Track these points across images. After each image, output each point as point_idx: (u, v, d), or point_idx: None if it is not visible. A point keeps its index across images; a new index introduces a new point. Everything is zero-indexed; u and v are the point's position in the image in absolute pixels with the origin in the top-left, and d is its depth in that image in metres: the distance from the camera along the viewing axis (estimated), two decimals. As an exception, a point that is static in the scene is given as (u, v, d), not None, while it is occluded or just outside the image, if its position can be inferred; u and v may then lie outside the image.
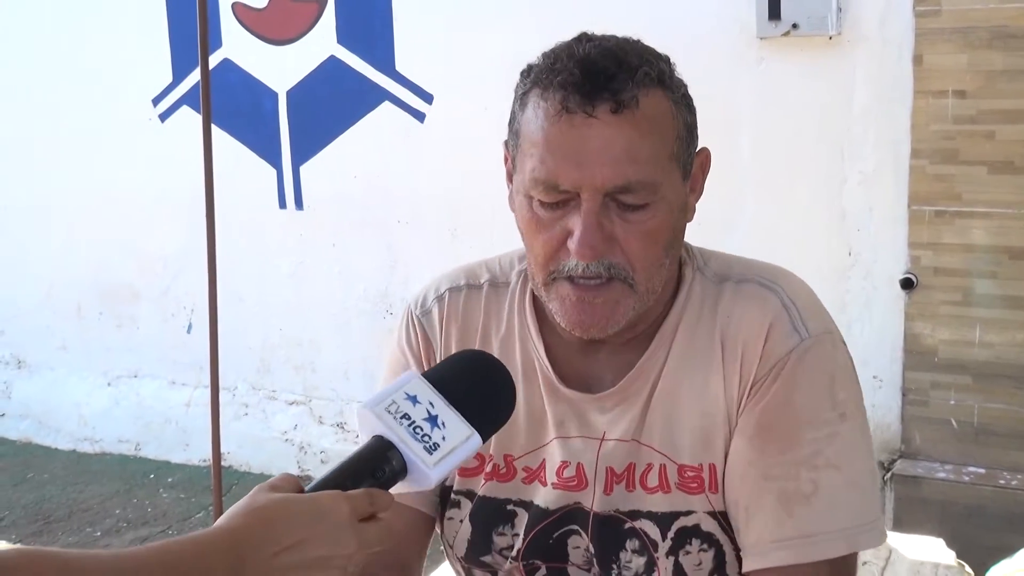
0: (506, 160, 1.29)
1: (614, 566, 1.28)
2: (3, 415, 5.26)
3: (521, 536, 1.31)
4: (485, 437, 1.07)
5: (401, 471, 1.02)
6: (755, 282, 1.29)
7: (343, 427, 4.47)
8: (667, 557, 1.26)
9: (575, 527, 1.30)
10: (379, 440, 1.02)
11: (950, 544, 2.57)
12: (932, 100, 3.22)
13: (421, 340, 1.39)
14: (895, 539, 2.55)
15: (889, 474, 3.36)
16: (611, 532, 1.28)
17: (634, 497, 1.27)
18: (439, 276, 1.44)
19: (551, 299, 1.23)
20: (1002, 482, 3.18)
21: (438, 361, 1.35)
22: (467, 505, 1.35)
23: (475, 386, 1.11)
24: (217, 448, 3.19)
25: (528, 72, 1.23)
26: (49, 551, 0.84)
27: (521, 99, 1.23)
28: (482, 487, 1.34)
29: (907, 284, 3.32)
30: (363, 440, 1.05)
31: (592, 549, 1.28)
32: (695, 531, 1.25)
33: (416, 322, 1.40)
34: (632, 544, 1.27)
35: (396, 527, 1.22)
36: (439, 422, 1.04)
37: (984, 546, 2.80)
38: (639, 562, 1.27)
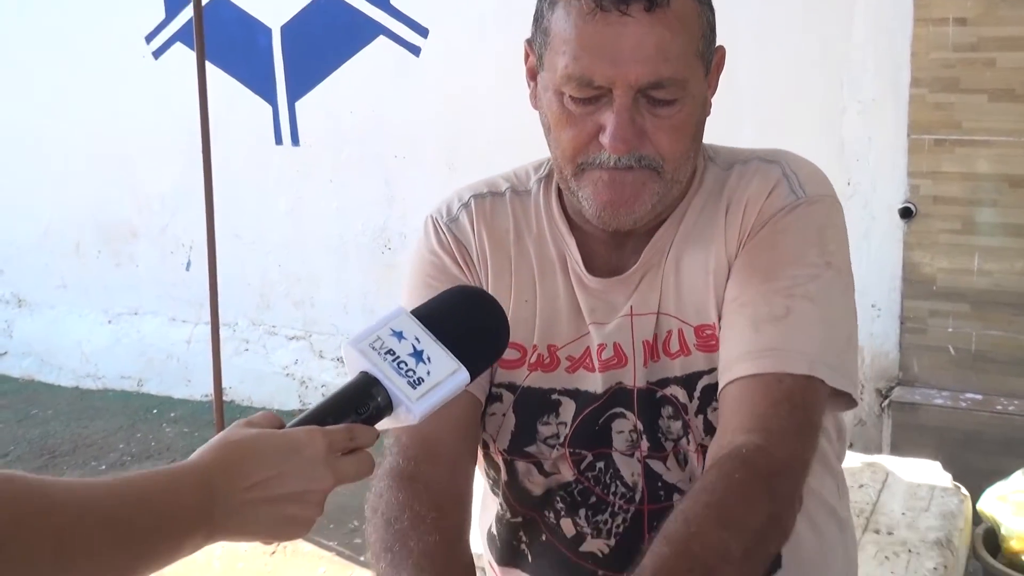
0: (527, 58, 1.31)
1: (660, 436, 1.32)
2: (5, 353, 5.29)
3: (568, 424, 1.34)
4: (475, 372, 1.06)
5: (386, 407, 1.01)
6: (759, 159, 1.35)
7: (343, 361, 4.50)
8: (696, 416, 1.30)
9: (620, 409, 1.33)
10: (364, 376, 1.02)
11: (947, 468, 2.60)
12: (932, 28, 3.19)
13: (454, 244, 1.40)
14: (892, 462, 2.58)
15: (887, 401, 3.39)
16: (651, 404, 1.32)
17: (659, 366, 1.32)
18: (456, 190, 1.46)
19: (582, 186, 1.26)
20: (999, 408, 3.21)
21: (475, 264, 1.39)
22: (509, 398, 1.37)
23: (465, 321, 1.10)
24: (218, 383, 3.23)
25: None
26: (22, 475, 0.83)
27: None
28: (525, 378, 1.36)
29: (906, 213, 3.32)
30: (350, 377, 1.04)
31: (640, 426, 1.32)
32: (718, 388, 1.29)
33: (445, 229, 1.41)
34: (667, 411, 1.32)
35: (451, 412, 1.20)
36: (424, 357, 1.02)
37: (980, 470, 2.83)
38: (676, 427, 1.31)
